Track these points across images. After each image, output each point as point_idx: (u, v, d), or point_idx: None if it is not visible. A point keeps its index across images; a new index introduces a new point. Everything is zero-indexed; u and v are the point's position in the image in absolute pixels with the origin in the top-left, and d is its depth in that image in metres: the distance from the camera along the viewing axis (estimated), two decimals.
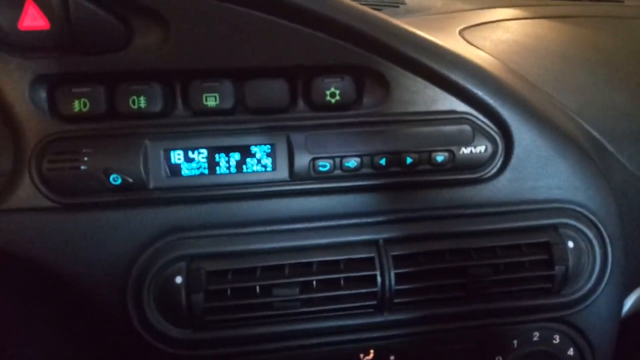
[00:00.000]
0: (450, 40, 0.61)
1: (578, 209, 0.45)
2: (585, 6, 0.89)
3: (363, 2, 0.76)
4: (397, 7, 0.78)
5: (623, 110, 0.56)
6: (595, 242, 0.45)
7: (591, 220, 0.45)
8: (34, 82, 0.39)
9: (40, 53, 0.38)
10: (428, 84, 0.43)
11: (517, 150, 0.44)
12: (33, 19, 0.37)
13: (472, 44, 0.62)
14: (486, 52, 0.59)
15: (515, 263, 0.43)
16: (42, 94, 0.39)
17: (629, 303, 0.54)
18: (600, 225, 0.45)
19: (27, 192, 0.40)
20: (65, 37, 0.38)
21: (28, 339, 0.42)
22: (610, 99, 0.57)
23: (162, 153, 0.40)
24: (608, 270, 0.45)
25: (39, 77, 0.39)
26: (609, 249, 0.45)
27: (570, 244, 0.44)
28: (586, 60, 0.64)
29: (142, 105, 0.40)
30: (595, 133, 0.52)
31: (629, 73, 0.62)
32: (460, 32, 0.67)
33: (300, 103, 0.43)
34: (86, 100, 0.39)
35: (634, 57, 0.67)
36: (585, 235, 0.45)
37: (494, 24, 0.74)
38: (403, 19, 0.73)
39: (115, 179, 0.39)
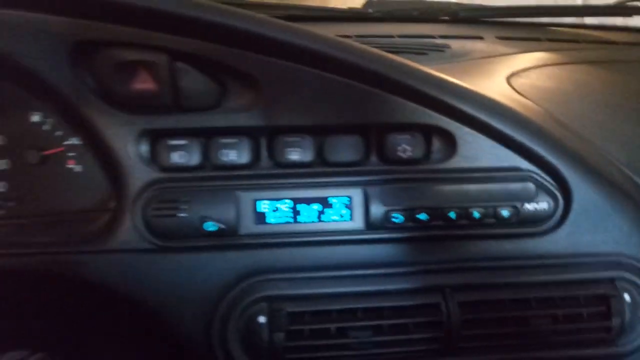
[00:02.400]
0: (499, 89, 0.65)
1: (635, 263, 0.47)
2: (623, 50, 0.92)
3: (411, 48, 0.80)
4: (443, 51, 0.81)
5: None
6: None
7: None
8: (139, 135, 0.43)
9: (145, 110, 0.43)
10: (494, 143, 0.46)
11: (576, 205, 0.47)
12: (142, 82, 0.41)
13: (519, 93, 0.65)
14: (535, 102, 0.61)
15: (574, 314, 0.46)
16: (145, 146, 0.44)
17: None
18: None
19: (128, 235, 0.44)
20: (168, 97, 0.42)
21: None
22: None
23: (250, 203, 0.44)
24: None
25: (143, 132, 0.43)
26: None
27: (627, 297, 0.46)
28: (630, 108, 0.67)
29: (232, 157, 0.44)
30: None
31: None
32: (508, 79, 0.70)
33: (374, 157, 0.46)
34: (183, 153, 0.44)
35: None
36: None
37: (538, 70, 0.76)
38: (451, 64, 0.77)
39: (209, 226, 0.43)
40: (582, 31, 1.03)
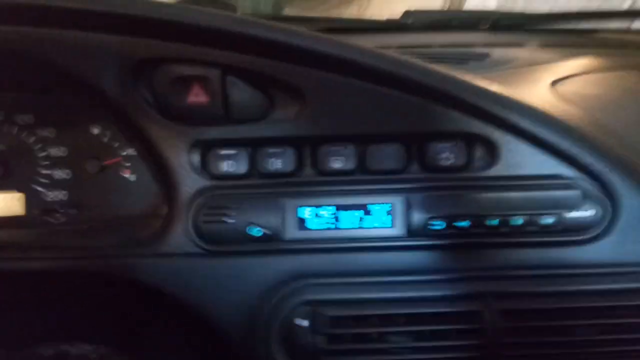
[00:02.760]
0: (543, 96, 0.64)
1: None
2: None
3: (451, 58, 0.80)
4: (483, 60, 0.81)
5: None
6: None
7: None
8: (191, 146, 0.46)
9: (197, 122, 0.45)
10: (537, 150, 0.46)
11: (624, 214, 0.46)
12: (196, 95, 0.44)
13: (564, 99, 0.64)
14: (580, 109, 0.61)
15: (621, 324, 0.45)
16: (197, 156, 0.46)
17: None
18: None
19: (179, 239, 0.46)
20: (219, 110, 0.45)
21: None
22: None
23: (295, 209, 0.46)
24: None
25: (195, 142, 0.46)
26: None
27: None
28: None
29: (278, 166, 0.46)
30: None
31: None
32: (552, 86, 0.69)
33: (415, 165, 0.47)
34: (233, 162, 0.46)
35: None
36: None
37: (583, 77, 0.75)
38: (492, 73, 0.77)
39: (256, 232, 0.45)
40: (629, 36, 1.01)
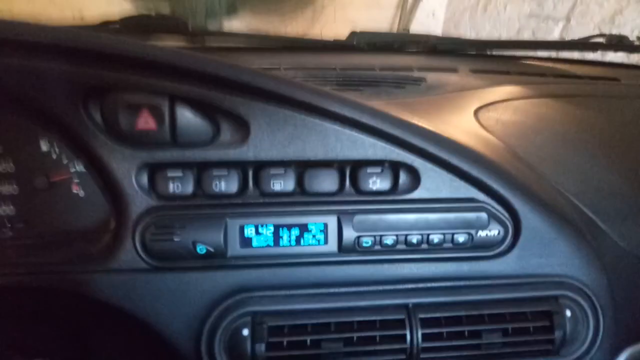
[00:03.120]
0: (466, 123, 0.71)
1: (575, 283, 0.54)
2: (586, 84, 0.99)
3: (389, 81, 0.87)
4: (419, 84, 0.88)
5: (616, 190, 0.65)
6: (589, 311, 0.54)
7: (586, 293, 0.54)
8: (139, 168, 0.49)
9: (146, 146, 0.49)
10: (452, 177, 0.52)
11: (525, 233, 0.53)
12: (145, 122, 0.47)
13: (484, 127, 0.71)
14: (497, 136, 0.68)
15: (521, 328, 0.52)
16: (145, 177, 0.49)
17: None
18: (593, 297, 0.54)
19: (128, 256, 0.49)
20: (167, 135, 0.48)
21: None
22: (605, 180, 0.66)
23: (238, 228, 0.50)
24: (600, 335, 0.54)
25: (144, 164, 0.49)
26: (601, 317, 0.54)
27: (568, 313, 0.53)
28: (585, 141, 0.73)
29: (222, 187, 0.50)
30: (590, 214, 0.61)
31: (621, 153, 0.71)
32: (475, 113, 0.76)
33: (348, 188, 0.52)
34: (179, 183, 0.49)
35: (627, 137, 0.76)
36: (581, 305, 0.54)
37: (504, 104, 0.83)
38: (426, 98, 0.84)
39: (201, 249, 0.49)
40: (550, 65, 1.11)
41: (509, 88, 0.90)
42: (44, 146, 0.56)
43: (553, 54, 1.24)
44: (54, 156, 0.56)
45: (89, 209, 0.57)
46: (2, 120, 0.55)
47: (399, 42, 1.10)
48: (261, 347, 0.48)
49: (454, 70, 0.97)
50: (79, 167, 0.57)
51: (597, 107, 0.86)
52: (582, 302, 0.54)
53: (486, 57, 1.13)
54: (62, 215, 0.57)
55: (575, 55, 1.29)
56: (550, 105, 0.84)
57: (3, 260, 0.50)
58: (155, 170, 0.49)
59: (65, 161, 0.56)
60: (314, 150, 0.50)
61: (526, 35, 1.78)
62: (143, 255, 0.49)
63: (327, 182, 0.51)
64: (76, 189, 0.57)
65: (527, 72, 1.01)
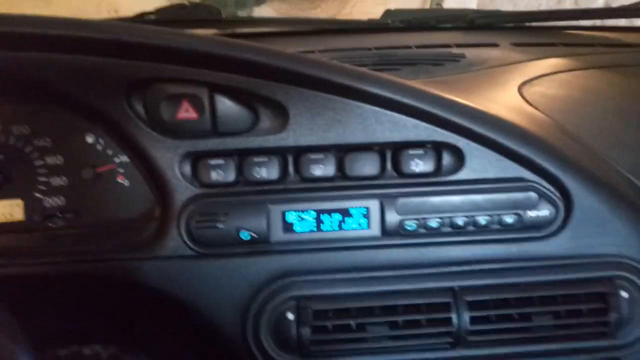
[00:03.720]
0: (510, 99, 0.68)
1: (632, 263, 0.51)
2: (636, 53, 0.93)
3: (427, 59, 0.84)
4: (458, 61, 0.85)
5: None
6: None
7: None
8: (182, 157, 0.49)
9: (188, 135, 0.49)
10: (499, 156, 0.51)
11: (577, 212, 0.51)
12: (186, 112, 0.48)
13: (529, 103, 0.68)
14: (544, 112, 0.65)
15: (574, 310, 0.50)
16: (188, 166, 0.50)
17: None
18: None
19: (174, 243, 0.50)
20: (208, 124, 0.48)
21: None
22: None
23: (280, 214, 0.50)
24: None
25: (186, 154, 0.49)
26: None
27: (624, 294, 0.51)
28: (637, 113, 0.70)
29: (263, 174, 0.50)
30: None
31: None
32: (519, 89, 0.73)
33: (389, 171, 0.51)
34: (221, 171, 0.50)
35: None
36: (638, 286, 0.51)
37: (549, 77, 0.79)
38: (466, 74, 0.81)
39: (244, 236, 0.49)
40: (598, 34, 1.05)
41: (554, 60, 0.86)
42: (90, 138, 0.58)
43: (598, 22, 1.17)
44: (99, 148, 0.58)
45: (135, 198, 0.59)
46: (49, 115, 0.57)
47: (434, 19, 1.06)
48: (306, 331, 0.49)
49: (494, 44, 0.93)
50: (124, 158, 0.58)
51: None
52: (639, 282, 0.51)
53: (527, 30, 1.08)
54: (109, 205, 0.59)
55: (622, 22, 1.21)
56: (599, 76, 0.80)
57: (55, 250, 0.52)
58: (197, 159, 0.50)
59: (110, 152, 0.58)
60: (354, 133, 0.49)
61: (567, 5, 1.70)
62: (188, 242, 0.50)
63: (368, 165, 0.50)
64: (121, 179, 0.58)
65: (572, 42, 0.96)
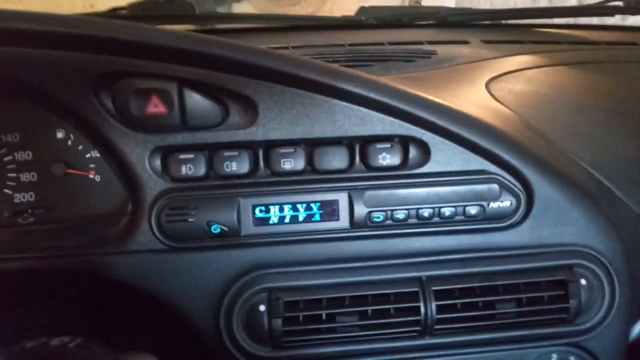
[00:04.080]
0: (477, 95, 0.70)
1: (590, 251, 0.54)
2: (603, 50, 0.97)
3: (399, 55, 0.86)
4: (430, 57, 0.87)
5: (633, 157, 0.64)
6: (604, 279, 0.54)
7: (601, 261, 0.54)
8: (152, 152, 0.50)
9: (158, 130, 0.49)
10: (463, 149, 0.52)
11: (537, 203, 0.53)
12: (155, 107, 0.48)
13: (496, 98, 0.70)
14: (509, 107, 0.67)
15: (536, 297, 0.52)
16: (158, 161, 0.50)
17: (636, 329, 0.62)
18: (608, 265, 0.54)
19: (144, 238, 0.51)
20: (177, 119, 0.49)
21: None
22: (621, 146, 0.65)
23: (251, 207, 0.51)
24: (616, 303, 0.54)
25: (156, 148, 0.50)
26: (617, 285, 0.54)
27: (583, 281, 0.53)
28: (601, 109, 0.72)
29: (234, 168, 0.51)
30: (606, 182, 0.60)
31: (639, 118, 0.70)
32: (487, 85, 0.75)
33: (358, 164, 0.53)
34: (191, 165, 0.50)
35: None
36: (596, 273, 0.54)
37: (517, 74, 0.81)
38: (436, 71, 0.83)
39: (215, 229, 0.50)
40: (567, 32, 1.08)
41: (522, 58, 0.88)
42: (60, 134, 0.58)
43: (570, 20, 1.21)
44: (70, 143, 0.58)
45: (106, 193, 0.59)
46: (18, 110, 0.57)
47: (408, 16, 1.08)
48: (278, 322, 0.50)
49: (465, 42, 0.95)
50: (94, 154, 0.58)
51: (613, 73, 0.83)
52: (598, 270, 0.53)
53: (499, 27, 1.11)
54: (80, 200, 0.58)
55: (594, 21, 1.25)
56: (565, 73, 0.83)
57: (25, 245, 0.52)
58: (167, 153, 0.50)
59: (80, 147, 0.58)
60: (322, 128, 0.50)
61: (542, 3, 1.73)
62: (159, 236, 0.50)
63: (337, 159, 0.51)
64: (92, 175, 0.58)
65: (542, 40, 0.98)
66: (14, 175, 0.58)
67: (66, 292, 0.58)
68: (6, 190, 0.58)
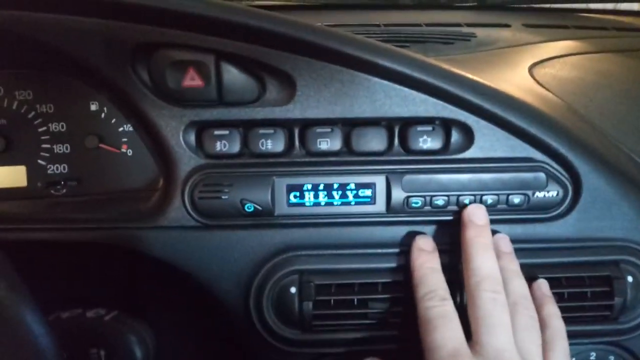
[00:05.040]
0: (520, 80, 0.67)
1: (638, 247, 0.51)
2: None
3: (437, 38, 0.83)
4: (469, 40, 0.84)
5: None
6: None
7: None
8: (187, 126, 0.49)
9: (193, 104, 0.48)
10: (508, 135, 0.50)
11: (585, 194, 0.50)
12: (192, 80, 0.47)
13: (540, 84, 0.67)
14: (554, 93, 0.64)
15: (579, 293, 0.50)
16: (192, 136, 0.49)
17: None
18: None
19: (176, 214, 0.50)
20: (213, 93, 0.47)
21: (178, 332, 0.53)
22: None
23: (285, 187, 0.49)
24: None
25: (191, 123, 0.49)
26: None
27: (630, 279, 0.50)
28: None
29: (269, 146, 0.49)
30: None
31: None
32: (530, 70, 0.72)
33: (396, 147, 0.51)
34: (226, 142, 0.49)
35: None
36: None
37: (561, 60, 0.78)
38: (476, 54, 0.79)
39: (248, 207, 0.49)
40: (611, 17, 1.03)
41: (567, 43, 0.85)
42: (94, 106, 0.57)
43: (610, 6, 1.15)
44: (103, 116, 0.57)
45: (138, 168, 0.58)
46: (52, 80, 0.56)
47: None
48: (309, 305, 0.49)
49: (505, 25, 0.92)
50: (128, 127, 0.58)
51: None
52: None
53: (541, 11, 1.06)
54: (112, 174, 0.58)
55: (635, 7, 1.19)
56: (612, 60, 0.79)
57: (57, 216, 0.52)
58: (202, 128, 0.49)
59: (113, 120, 0.57)
60: (362, 107, 0.48)
61: None
62: (192, 213, 0.49)
63: (375, 141, 0.49)
64: (125, 149, 0.58)
65: (586, 25, 0.94)
66: (47, 146, 0.58)
67: (98, 265, 0.58)
68: (40, 161, 0.58)
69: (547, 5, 1.06)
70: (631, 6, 1.17)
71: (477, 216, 0.48)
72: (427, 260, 0.48)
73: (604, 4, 1.12)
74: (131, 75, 0.46)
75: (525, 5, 1.06)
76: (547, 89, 0.64)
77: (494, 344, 0.41)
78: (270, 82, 0.48)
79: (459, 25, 0.90)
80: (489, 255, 0.46)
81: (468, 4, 1.04)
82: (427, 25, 0.89)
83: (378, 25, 0.87)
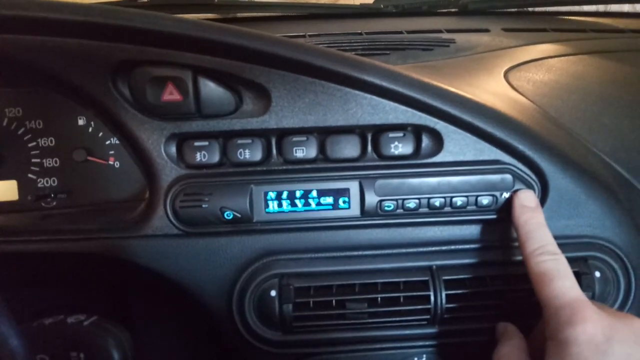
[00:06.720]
0: (495, 84, 0.69)
1: (605, 244, 0.53)
2: (628, 38, 0.94)
3: (417, 44, 0.85)
4: (448, 46, 0.86)
5: None
6: (620, 272, 0.53)
7: (617, 254, 0.53)
8: (168, 138, 0.51)
9: (173, 117, 0.50)
10: (476, 139, 0.52)
11: (552, 194, 0.52)
12: (171, 94, 0.49)
13: (514, 88, 0.69)
14: (527, 97, 0.66)
15: None
16: (173, 148, 0.51)
17: None
18: (625, 258, 0.53)
19: (161, 222, 0.52)
20: (192, 106, 0.49)
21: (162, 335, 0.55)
22: None
23: (263, 194, 0.51)
24: (631, 297, 0.53)
25: (172, 135, 0.51)
26: (632, 278, 0.53)
27: (597, 274, 0.52)
28: (621, 98, 0.70)
29: (247, 156, 0.51)
30: (624, 172, 0.59)
31: None
32: (505, 74, 0.74)
33: (370, 153, 0.53)
34: (205, 152, 0.51)
35: None
36: (611, 266, 0.53)
37: (537, 63, 0.80)
38: (454, 59, 0.82)
39: (228, 215, 0.51)
40: (590, 19, 1.05)
41: (544, 46, 0.86)
42: (81, 121, 0.60)
43: (601, 7, 1.17)
44: (90, 130, 0.60)
45: (125, 180, 0.60)
46: (42, 97, 0.59)
47: (428, 4, 1.06)
48: (289, 307, 0.51)
49: (485, 30, 0.94)
50: (114, 141, 0.60)
51: (638, 62, 0.81)
52: (613, 263, 0.53)
53: (520, 15, 1.08)
54: (100, 186, 0.60)
55: (626, 7, 1.21)
56: (587, 62, 0.80)
57: (48, 228, 0.54)
58: (182, 140, 0.51)
59: (100, 134, 0.60)
60: (335, 116, 0.51)
61: None
62: (174, 222, 0.51)
63: (348, 148, 0.52)
64: (112, 161, 0.60)
65: (565, 28, 0.96)
66: (37, 160, 0.60)
67: (85, 274, 0.60)
68: (30, 175, 0.60)
69: (531, 10, 1.08)
70: (621, 8, 1.19)
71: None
72: (532, 216, 0.49)
73: (596, 5, 1.14)
74: (112, 91, 0.49)
75: (506, 10, 1.08)
76: (520, 93, 0.66)
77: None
78: (246, 94, 0.50)
79: (439, 31, 0.92)
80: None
81: (450, 10, 1.07)
82: (408, 32, 0.91)
83: (360, 34, 0.89)
